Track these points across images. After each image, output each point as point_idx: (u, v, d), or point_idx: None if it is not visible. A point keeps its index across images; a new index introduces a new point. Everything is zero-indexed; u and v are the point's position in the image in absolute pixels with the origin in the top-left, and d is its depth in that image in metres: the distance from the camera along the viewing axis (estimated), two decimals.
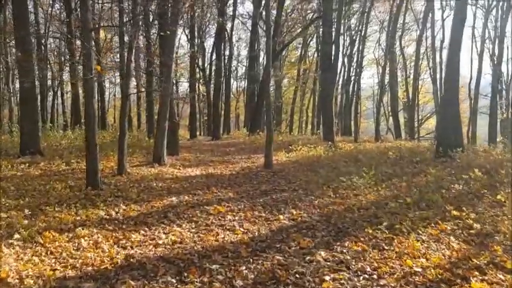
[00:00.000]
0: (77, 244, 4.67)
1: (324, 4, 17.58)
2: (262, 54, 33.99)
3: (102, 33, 21.01)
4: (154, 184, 8.55)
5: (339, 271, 4.00)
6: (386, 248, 4.64)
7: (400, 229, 5.12)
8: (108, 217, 5.83)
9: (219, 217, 5.89)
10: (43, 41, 21.56)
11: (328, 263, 4.19)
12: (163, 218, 5.81)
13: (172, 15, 11.63)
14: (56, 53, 25.44)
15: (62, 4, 21.99)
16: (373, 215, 5.88)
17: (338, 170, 10.09)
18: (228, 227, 5.39)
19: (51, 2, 23.06)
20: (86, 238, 4.86)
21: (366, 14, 21.67)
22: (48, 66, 22.91)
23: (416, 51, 26.77)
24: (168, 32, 10.91)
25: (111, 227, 5.35)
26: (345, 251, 4.55)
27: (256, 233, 5.15)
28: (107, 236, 5.00)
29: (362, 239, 4.93)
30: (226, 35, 29.62)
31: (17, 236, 4.67)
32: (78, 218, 5.73)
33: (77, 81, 18.39)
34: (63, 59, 24.38)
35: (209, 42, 31.29)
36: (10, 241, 4.57)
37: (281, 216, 5.89)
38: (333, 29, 19.62)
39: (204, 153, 15.78)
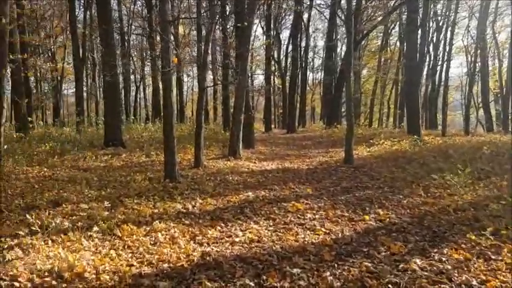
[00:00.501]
0: (154, 238, 4.58)
1: None
2: (340, 44, 32.95)
3: (181, 28, 21.63)
4: (230, 178, 8.39)
5: (440, 283, 3.43)
6: (493, 257, 3.95)
7: (508, 235, 4.35)
8: (185, 211, 5.72)
9: (298, 215, 5.50)
10: (126, 38, 22.68)
11: (426, 273, 3.62)
12: (239, 214, 5.56)
13: (249, 6, 11.41)
14: (138, 49, 26.72)
15: (143, 1, 22.95)
16: (473, 218, 5.10)
17: (427, 167, 9.17)
18: (308, 226, 4.98)
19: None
20: (162, 232, 4.75)
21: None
22: (131, 61, 24.16)
23: (511, 36, 23.97)
24: (245, 24, 10.70)
25: (188, 221, 5.21)
26: (444, 259, 3.93)
27: (340, 234, 4.67)
28: (183, 230, 4.86)
29: (463, 245, 4.25)
30: (303, 26, 28.99)
31: (96, 228, 4.69)
32: (156, 210, 5.70)
33: (156, 75, 19.01)
34: (144, 54, 25.51)
35: (285, 34, 31.04)
36: (90, 233, 4.59)
37: (366, 217, 5.34)
38: (419, 14, 18.18)
39: (279, 147, 15.49)
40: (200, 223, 5.16)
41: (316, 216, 5.44)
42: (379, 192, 7.01)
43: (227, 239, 4.60)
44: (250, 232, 4.76)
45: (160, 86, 21.60)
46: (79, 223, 4.82)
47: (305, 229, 4.89)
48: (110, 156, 11.35)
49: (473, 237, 4.36)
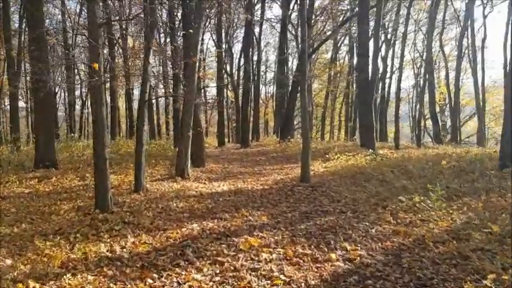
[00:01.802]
0: None
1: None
2: (291, 58, 32.81)
3: (130, 41, 20.24)
4: (174, 204, 7.30)
5: None
6: None
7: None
8: (110, 255, 4.57)
9: (252, 255, 4.53)
10: (70, 50, 20.97)
11: None
12: (179, 257, 4.49)
13: (196, 9, 10.46)
14: (82, 61, 24.92)
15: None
16: (458, 254, 4.34)
17: (389, 185, 8.57)
18: (263, 273, 4.02)
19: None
20: None
21: (406, 10, 19.85)
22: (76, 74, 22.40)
23: (458, 50, 24.73)
24: (191, 31, 9.74)
25: (111, 272, 4.08)
26: None
27: (303, 285, 3.75)
28: None
29: None
30: (255, 40, 28.51)
31: None
32: (73, 256, 4.51)
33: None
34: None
35: (237, 47, 30.43)
36: None
37: (333, 255, 4.46)
38: (370, 26, 18.12)
39: (233, 163, 14.52)
40: (127, 273, 4.04)
41: (273, 256, 4.49)
42: (342, 218, 6.20)
43: None
44: (190, 286, 3.73)
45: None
46: None
47: (260, 277, 3.92)
48: (37, 180, 9.88)
49: None
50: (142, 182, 8.60)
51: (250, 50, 26.83)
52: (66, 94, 27.77)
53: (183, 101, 10.53)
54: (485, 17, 23.82)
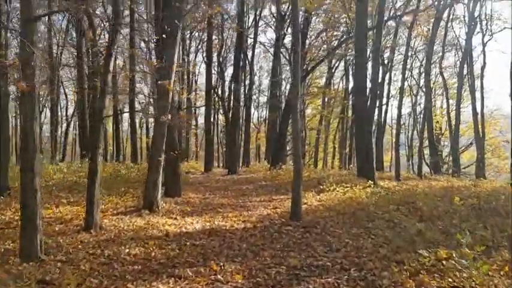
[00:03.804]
0: None
1: (357, 18, 14.84)
2: (284, 83, 31.65)
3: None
4: (127, 251, 5.65)
5: None
6: None
7: None
8: None
9: None
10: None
11: None
12: None
13: (178, 8, 9.06)
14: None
15: None
16: None
17: (399, 227, 7.01)
18: None
19: None
20: None
21: (408, 33, 18.77)
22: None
23: (459, 75, 23.68)
24: (165, 35, 8.32)
25: None
26: None
27: None
28: None
29: None
30: (247, 62, 27.43)
31: None
32: None
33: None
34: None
35: (229, 71, 29.25)
36: None
37: None
38: (368, 47, 16.95)
39: (215, 193, 12.87)
40: None
41: None
42: (345, 279, 4.60)
43: None
44: None
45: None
46: None
47: None
48: None
49: None
50: (95, 218, 6.93)
51: (242, 73, 25.73)
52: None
53: (154, 120, 9.00)
54: (484, 44, 22.93)
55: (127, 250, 5.68)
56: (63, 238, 6.26)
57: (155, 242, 6.23)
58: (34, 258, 5.08)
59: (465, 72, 23.38)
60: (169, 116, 7.73)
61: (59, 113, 28.72)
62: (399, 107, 16.76)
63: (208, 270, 4.87)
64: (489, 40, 22.50)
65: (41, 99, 30.24)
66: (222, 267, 5.00)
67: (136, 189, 11.58)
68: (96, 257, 5.31)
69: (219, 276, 4.63)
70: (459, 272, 4.45)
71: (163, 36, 8.61)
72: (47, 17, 18.59)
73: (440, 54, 25.22)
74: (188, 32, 25.19)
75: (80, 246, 5.82)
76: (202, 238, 6.62)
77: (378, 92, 25.91)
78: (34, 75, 5.19)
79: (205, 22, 19.93)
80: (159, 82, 8.46)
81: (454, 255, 4.71)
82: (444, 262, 4.71)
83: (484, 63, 22.13)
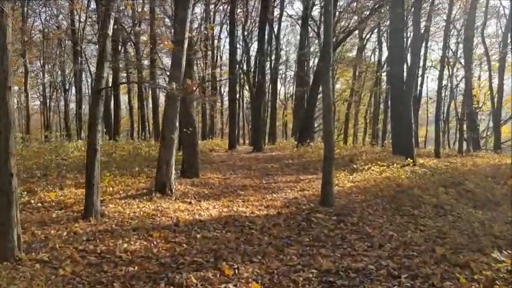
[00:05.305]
0: None
1: None
2: (312, 57, 29.89)
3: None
4: (124, 246, 4.71)
5: None
6: None
7: None
8: None
9: None
10: None
11: None
12: None
13: None
14: None
15: None
16: None
17: (451, 216, 5.82)
18: None
19: None
20: None
21: None
22: None
23: (503, 43, 21.46)
24: None
25: None
26: None
27: None
28: None
29: None
30: (273, 36, 25.93)
31: None
32: None
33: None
34: None
35: (255, 46, 27.81)
36: None
37: None
38: (405, 11, 15.21)
39: (237, 172, 11.87)
40: None
41: None
42: None
43: None
44: None
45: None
46: None
47: None
48: None
49: None
50: (95, 205, 6.02)
51: (268, 47, 24.33)
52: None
53: (166, 94, 7.96)
54: None
55: (125, 245, 4.73)
56: (56, 228, 5.40)
57: (161, 233, 5.27)
58: (10, 257, 4.21)
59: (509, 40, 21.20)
60: (174, 85, 6.60)
61: (83, 91, 28.27)
62: (439, 78, 15.11)
63: (218, 276, 3.86)
64: None
65: (67, 77, 30.11)
66: (237, 271, 3.98)
67: (153, 168, 10.71)
68: (84, 256, 4.40)
69: (230, 286, 3.60)
70: None
71: None
72: None
73: (483, 20, 22.97)
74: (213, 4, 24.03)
75: (71, 239, 4.93)
76: (217, 229, 5.61)
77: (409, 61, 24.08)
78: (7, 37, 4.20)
79: None
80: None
81: None
82: None
83: None
